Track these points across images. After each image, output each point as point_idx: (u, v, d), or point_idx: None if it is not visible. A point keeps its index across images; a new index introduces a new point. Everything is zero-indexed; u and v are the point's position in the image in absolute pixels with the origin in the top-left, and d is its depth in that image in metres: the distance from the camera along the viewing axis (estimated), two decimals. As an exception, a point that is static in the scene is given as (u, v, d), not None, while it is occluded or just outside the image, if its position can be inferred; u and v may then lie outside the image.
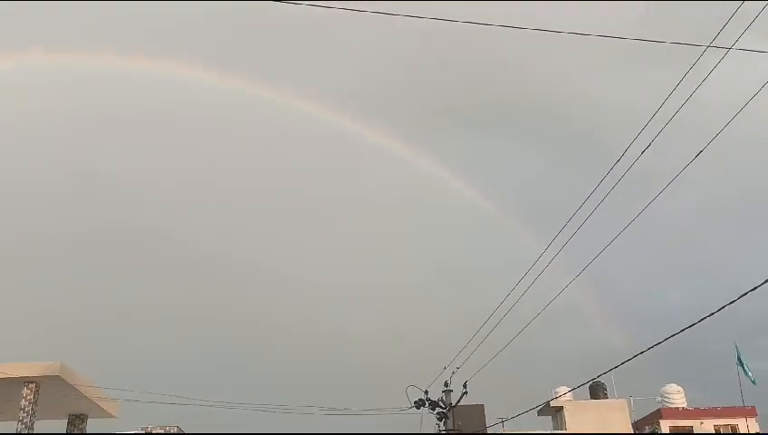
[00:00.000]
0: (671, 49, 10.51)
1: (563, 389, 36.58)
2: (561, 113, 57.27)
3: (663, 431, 34.29)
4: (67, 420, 28.17)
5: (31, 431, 23.60)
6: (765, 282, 10.27)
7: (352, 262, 61.79)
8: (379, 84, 57.06)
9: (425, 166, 47.03)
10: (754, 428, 33.70)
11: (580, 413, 36.45)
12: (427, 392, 22.99)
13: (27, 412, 23.30)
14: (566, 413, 36.55)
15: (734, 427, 35.16)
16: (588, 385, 36.72)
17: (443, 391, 23.23)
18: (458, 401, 22.86)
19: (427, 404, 23.08)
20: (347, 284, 62.39)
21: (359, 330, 58.35)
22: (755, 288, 10.45)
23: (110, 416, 28.57)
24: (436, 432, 23.20)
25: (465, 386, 22.24)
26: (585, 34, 10.42)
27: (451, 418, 23.32)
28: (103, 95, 50.13)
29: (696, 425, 35.29)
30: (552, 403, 36.24)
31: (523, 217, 46.41)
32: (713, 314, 11.38)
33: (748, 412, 34.57)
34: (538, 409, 32.10)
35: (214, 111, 51.75)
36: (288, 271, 60.94)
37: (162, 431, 23.71)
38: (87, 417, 28.44)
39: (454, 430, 23.28)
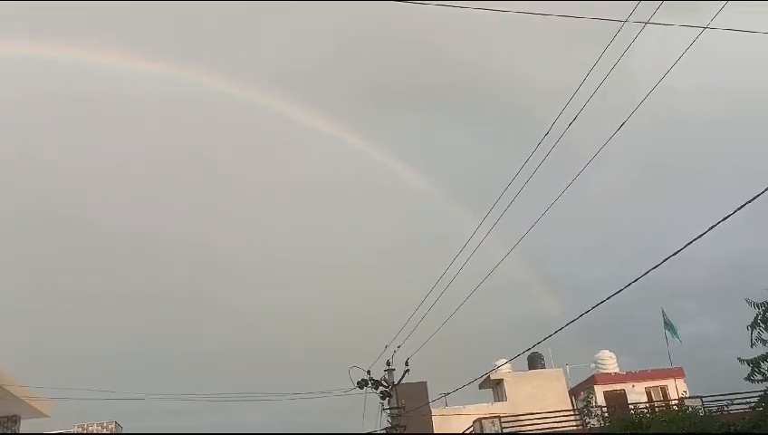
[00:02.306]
0: (610, 30, 10.63)
1: (503, 361, 37.46)
2: (502, 97, 57.92)
3: (597, 396, 35.46)
4: (-2, 423, 27.15)
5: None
6: (681, 249, 10.80)
7: (293, 243, 61.28)
8: (312, 68, 56.42)
9: (365, 149, 46.83)
10: (683, 387, 35.31)
11: (519, 384, 37.39)
12: (369, 372, 23.12)
13: (-47, 417, 22.31)
14: (506, 385, 37.42)
15: (663, 388, 36.71)
16: (527, 357, 37.76)
17: (385, 371, 23.40)
18: (401, 379, 23.07)
19: (369, 384, 23.21)
20: (288, 263, 61.96)
21: (298, 311, 58.03)
22: (674, 254, 10.91)
23: (44, 415, 27.70)
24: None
25: (407, 363, 22.48)
26: (506, 11, 10.50)
27: (394, 396, 23.53)
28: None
29: (628, 388, 36.65)
30: (493, 376, 36.98)
31: (463, 199, 46.77)
32: (637, 279, 11.94)
33: (676, 373, 36.22)
34: (479, 382, 32.70)
35: (138, 95, 50.08)
36: (225, 253, 60.04)
37: (100, 428, 23.10)
38: (19, 418, 27.46)
39: (397, 407, 23.51)
